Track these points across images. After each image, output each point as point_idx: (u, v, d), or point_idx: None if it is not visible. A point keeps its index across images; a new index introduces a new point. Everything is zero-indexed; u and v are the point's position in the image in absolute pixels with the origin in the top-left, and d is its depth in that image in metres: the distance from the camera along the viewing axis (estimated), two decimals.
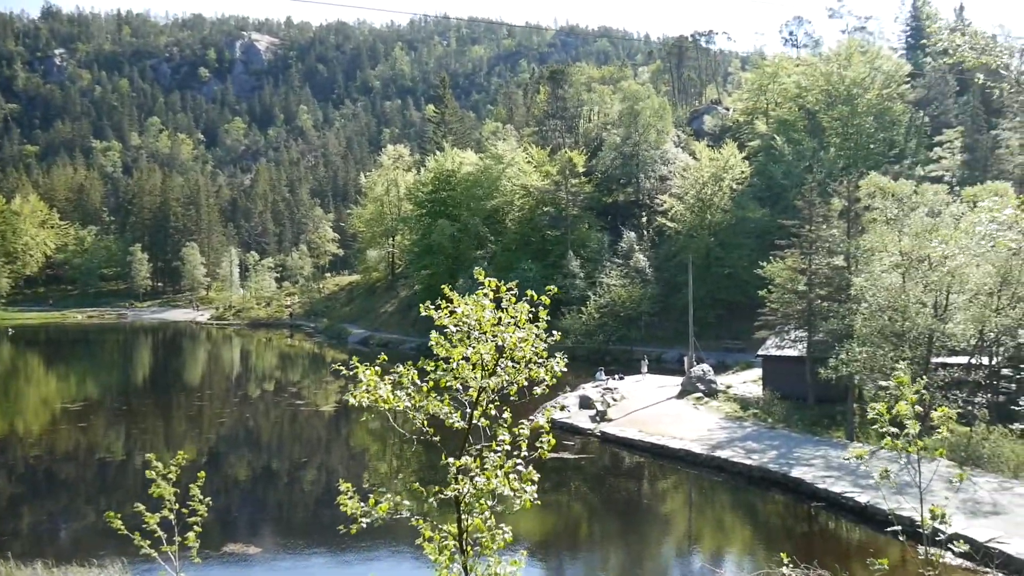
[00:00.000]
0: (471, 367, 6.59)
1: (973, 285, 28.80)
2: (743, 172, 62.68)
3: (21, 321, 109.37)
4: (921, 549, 7.56)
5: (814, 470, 25.66)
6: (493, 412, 6.70)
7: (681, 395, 38.81)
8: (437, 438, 6.70)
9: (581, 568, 21.93)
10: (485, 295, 6.59)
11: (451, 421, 6.66)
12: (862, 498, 22.29)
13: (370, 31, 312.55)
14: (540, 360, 6.69)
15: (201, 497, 7.79)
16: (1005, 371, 29.70)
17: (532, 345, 6.62)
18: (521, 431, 6.69)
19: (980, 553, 15.38)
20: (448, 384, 6.66)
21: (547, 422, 6.92)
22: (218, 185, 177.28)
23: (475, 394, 6.64)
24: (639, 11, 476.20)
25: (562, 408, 36.49)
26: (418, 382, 6.71)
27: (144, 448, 32.57)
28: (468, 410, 6.68)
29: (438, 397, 6.66)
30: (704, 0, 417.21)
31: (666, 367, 50.18)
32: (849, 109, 66.23)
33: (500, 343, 6.52)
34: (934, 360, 29.12)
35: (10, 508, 26.57)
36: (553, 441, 6.63)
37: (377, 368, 6.72)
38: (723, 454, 28.47)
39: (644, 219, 70.18)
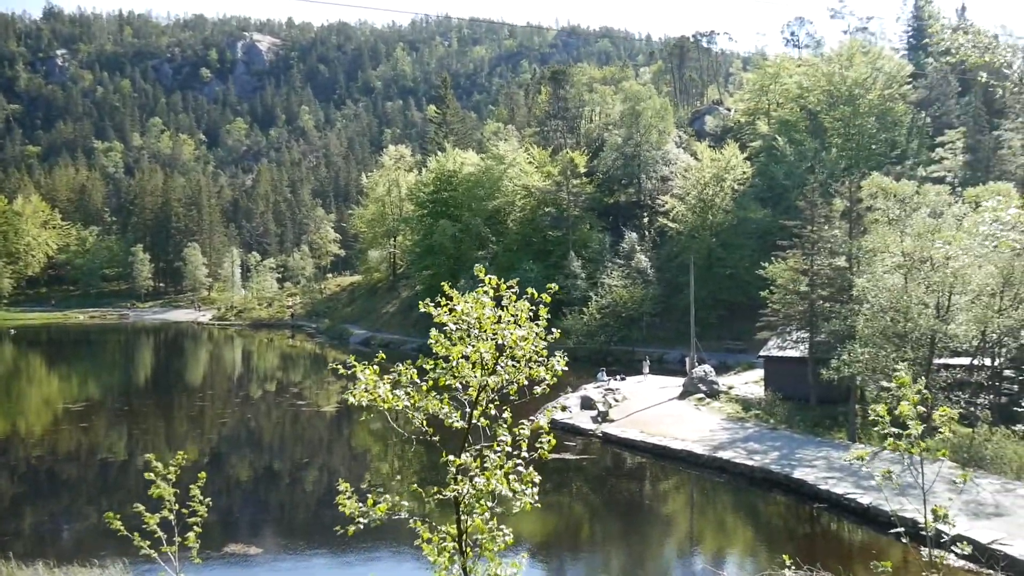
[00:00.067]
0: (471, 366, 6.55)
1: (975, 286, 28.73)
2: (745, 173, 62.65)
3: (23, 322, 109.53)
4: (924, 551, 7.51)
5: (816, 471, 25.61)
6: (493, 412, 6.66)
7: (683, 396, 38.77)
8: (436, 438, 6.66)
9: (582, 569, 21.90)
10: (485, 293, 6.55)
11: (450, 421, 6.61)
12: (864, 499, 22.24)
13: (371, 31, 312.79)
14: (540, 359, 6.64)
15: (201, 498, 7.77)
16: (1007, 372, 29.67)
17: (532, 344, 6.57)
18: (521, 431, 6.64)
19: (986, 557, 15.34)
20: (447, 383, 6.61)
21: (548, 422, 6.87)
22: (220, 186, 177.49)
23: (475, 393, 6.60)
24: (641, 11, 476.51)
25: (564, 409, 36.48)
26: (417, 381, 6.67)
27: (146, 448, 32.57)
28: (468, 410, 6.64)
29: (437, 396, 6.62)
30: (706, 0, 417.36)
31: (668, 368, 50.15)
32: (851, 110, 66.20)
33: (500, 341, 6.47)
34: (936, 361, 29.07)
35: (12, 508, 26.58)
36: (553, 441, 6.58)
37: (375, 367, 6.67)
38: (725, 455, 28.43)
39: (645, 220, 70.16)
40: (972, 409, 26.68)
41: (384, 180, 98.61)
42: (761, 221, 57.68)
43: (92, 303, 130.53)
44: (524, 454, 6.56)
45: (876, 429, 7.50)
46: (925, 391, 6.49)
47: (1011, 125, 59.28)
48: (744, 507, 26.29)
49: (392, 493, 6.72)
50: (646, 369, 47.21)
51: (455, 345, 6.51)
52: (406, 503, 6.65)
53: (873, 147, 65.09)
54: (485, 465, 6.49)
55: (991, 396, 28.53)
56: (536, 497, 6.50)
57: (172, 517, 7.68)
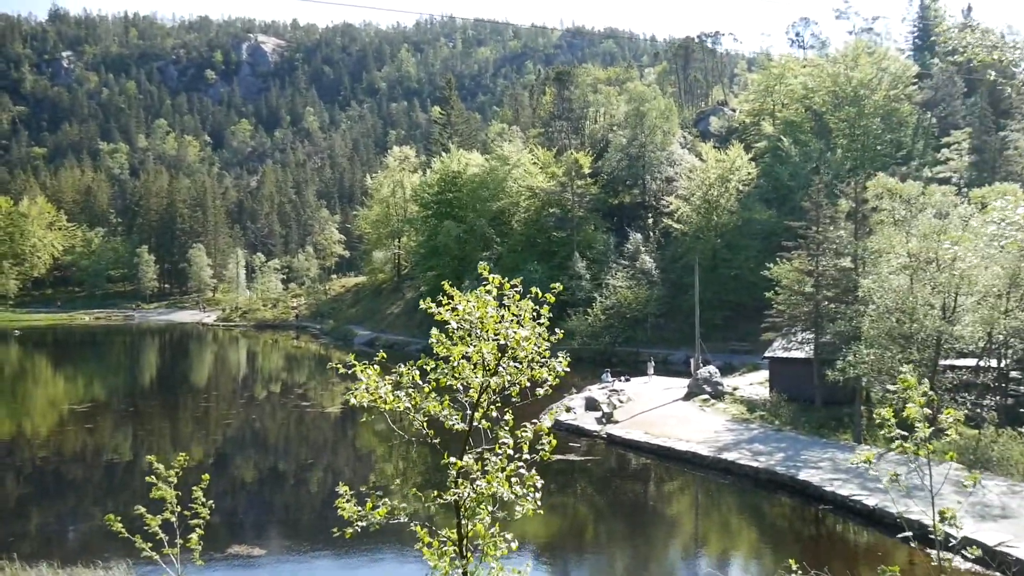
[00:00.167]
0: (472, 366, 6.48)
1: (982, 287, 28.61)
2: (749, 173, 62.53)
3: (29, 323, 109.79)
4: (933, 554, 7.44)
5: (822, 472, 25.50)
6: (494, 414, 6.59)
7: (687, 397, 38.68)
8: (437, 440, 6.60)
9: (587, 571, 21.85)
10: (488, 291, 6.48)
11: (451, 423, 6.54)
12: (870, 501, 22.14)
13: (376, 33, 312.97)
14: (543, 360, 6.57)
15: (204, 499, 7.74)
16: (1014, 374, 29.54)
17: (535, 344, 6.50)
18: (523, 433, 6.57)
19: (996, 560, 15.23)
20: (449, 384, 6.54)
21: (551, 424, 6.80)
22: (224, 187, 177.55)
23: (476, 395, 6.53)
24: (645, 12, 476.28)
25: (568, 410, 36.39)
26: (419, 382, 6.61)
27: (151, 450, 32.60)
28: (469, 411, 6.58)
29: (438, 398, 6.55)
30: (710, 1, 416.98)
31: (672, 369, 50.03)
32: (856, 110, 65.97)
33: (503, 342, 6.40)
34: (942, 362, 28.95)
35: (17, 509, 26.63)
36: (554, 443, 6.51)
37: (376, 367, 6.62)
38: (730, 456, 28.33)
39: (650, 220, 70.03)
40: (978, 410, 26.55)
41: (388, 181, 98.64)
42: (766, 222, 57.56)
43: (97, 304, 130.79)
44: (526, 456, 6.49)
45: (883, 432, 7.44)
46: (931, 392, 6.43)
47: (1017, 126, 59.08)
48: (749, 509, 26.19)
49: (393, 496, 6.68)
50: (651, 370, 47.10)
51: (456, 345, 6.44)
52: (406, 507, 6.60)
53: (878, 148, 64.84)
54: (486, 468, 6.42)
55: (997, 397, 28.38)
56: (539, 502, 6.43)
57: (174, 519, 7.65)
